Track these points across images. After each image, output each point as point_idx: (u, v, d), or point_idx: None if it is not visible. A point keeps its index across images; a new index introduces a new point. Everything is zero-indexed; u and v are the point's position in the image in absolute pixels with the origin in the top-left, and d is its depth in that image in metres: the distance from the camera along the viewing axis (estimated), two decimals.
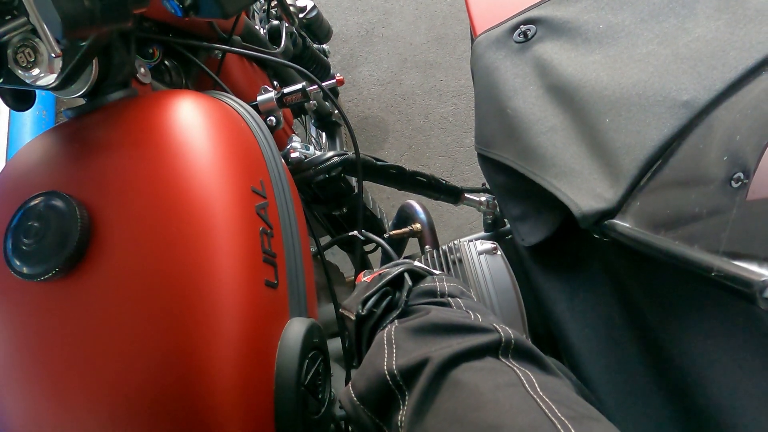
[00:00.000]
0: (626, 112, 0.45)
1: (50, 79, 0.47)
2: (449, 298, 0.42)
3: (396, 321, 0.40)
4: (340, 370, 0.67)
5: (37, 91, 0.56)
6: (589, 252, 0.52)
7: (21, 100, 0.55)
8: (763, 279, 0.28)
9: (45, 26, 0.37)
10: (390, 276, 0.44)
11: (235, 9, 0.38)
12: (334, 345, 0.69)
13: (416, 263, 0.48)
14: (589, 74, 0.50)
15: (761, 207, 0.33)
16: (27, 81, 0.48)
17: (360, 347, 0.44)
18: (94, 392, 0.40)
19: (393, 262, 0.54)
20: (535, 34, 0.60)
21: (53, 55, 0.41)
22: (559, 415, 0.27)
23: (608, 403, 0.46)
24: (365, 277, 0.55)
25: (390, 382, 0.34)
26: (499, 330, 0.35)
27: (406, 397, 0.33)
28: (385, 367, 0.35)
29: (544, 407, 0.28)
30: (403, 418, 0.32)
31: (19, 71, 0.47)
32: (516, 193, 0.59)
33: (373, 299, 0.42)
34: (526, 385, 0.30)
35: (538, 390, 0.30)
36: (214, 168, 0.47)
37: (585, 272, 0.53)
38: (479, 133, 0.63)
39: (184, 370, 0.40)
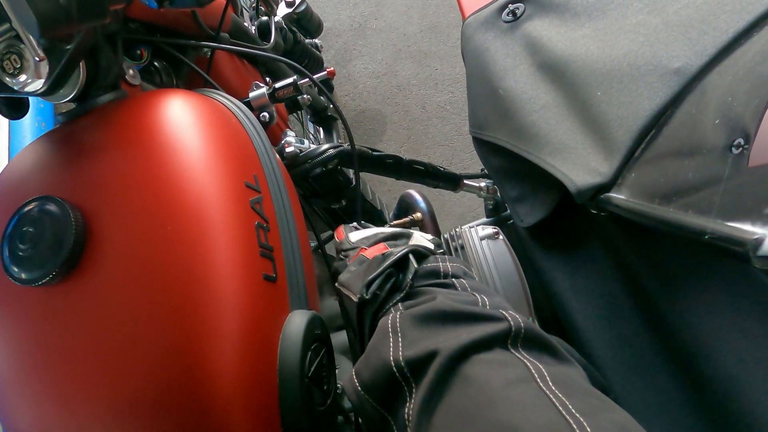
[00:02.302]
0: (618, 84, 0.45)
1: (38, 84, 0.47)
2: (453, 279, 0.41)
3: (400, 304, 0.40)
4: (347, 362, 0.67)
5: (35, 103, 0.56)
6: (588, 229, 0.52)
7: (14, 108, 0.56)
8: (756, 237, 0.28)
9: (25, 29, 0.37)
10: (394, 257, 0.43)
11: None
12: (340, 338, 0.69)
13: (416, 233, 0.46)
14: (579, 49, 0.50)
15: (761, 172, 0.33)
16: (15, 87, 0.48)
17: (362, 330, 0.44)
18: (97, 393, 0.40)
19: (390, 229, 0.53)
20: (523, 12, 0.59)
21: (37, 58, 0.40)
22: (573, 411, 0.27)
23: (614, 379, 0.46)
24: (351, 235, 0.53)
25: (396, 374, 0.33)
26: (508, 318, 0.34)
27: (414, 390, 0.32)
28: (392, 358, 0.34)
29: (557, 404, 0.27)
30: (411, 412, 0.32)
31: (7, 78, 0.47)
32: (512, 174, 0.59)
33: (377, 282, 0.41)
34: (538, 380, 0.30)
35: (551, 384, 0.29)
36: (206, 164, 0.47)
37: (585, 249, 0.52)
38: (473, 115, 0.62)
39: (187, 368, 0.39)
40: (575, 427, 0.26)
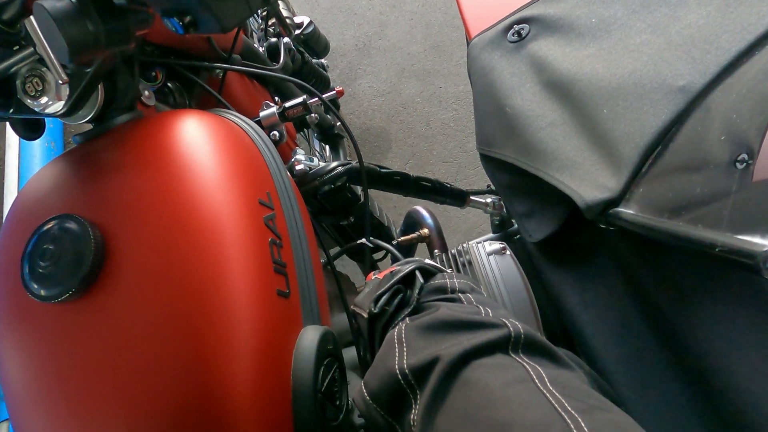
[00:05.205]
0: (624, 102, 0.46)
1: (58, 106, 0.49)
2: (459, 294, 0.42)
3: (407, 318, 0.41)
4: (357, 379, 0.67)
5: (45, 123, 0.58)
6: (597, 243, 0.52)
7: (31, 129, 0.57)
8: (766, 249, 0.28)
9: (51, 54, 0.38)
10: (401, 273, 0.44)
11: (233, 23, 0.39)
12: (350, 354, 0.69)
13: (426, 261, 0.48)
14: (584, 67, 0.51)
15: (766, 186, 0.33)
16: (36, 109, 0.49)
17: (373, 345, 0.45)
18: (113, 408, 0.41)
19: (404, 260, 0.54)
20: (528, 32, 0.60)
21: (60, 81, 0.42)
22: (569, 409, 0.27)
23: (626, 394, 0.46)
24: (375, 275, 0.55)
25: (402, 382, 0.35)
26: (509, 325, 0.35)
27: (418, 396, 0.33)
28: (397, 367, 0.35)
29: (554, 402, 0.28)
30: (416, 418, 0.33)
31: (28, 100, 0.48)
32: (520, 190, 0.59)
33: (385, 297, 0.43)
34: (536, 381, 0.30)
35: (548, 385, 0.30)
36: (221, 183, 0.48)
37: (594, 264, 0.53)
38: (480, 133, 0.63)
39: (202, 382, 0.40)
40: (570, 423, 0.26)
